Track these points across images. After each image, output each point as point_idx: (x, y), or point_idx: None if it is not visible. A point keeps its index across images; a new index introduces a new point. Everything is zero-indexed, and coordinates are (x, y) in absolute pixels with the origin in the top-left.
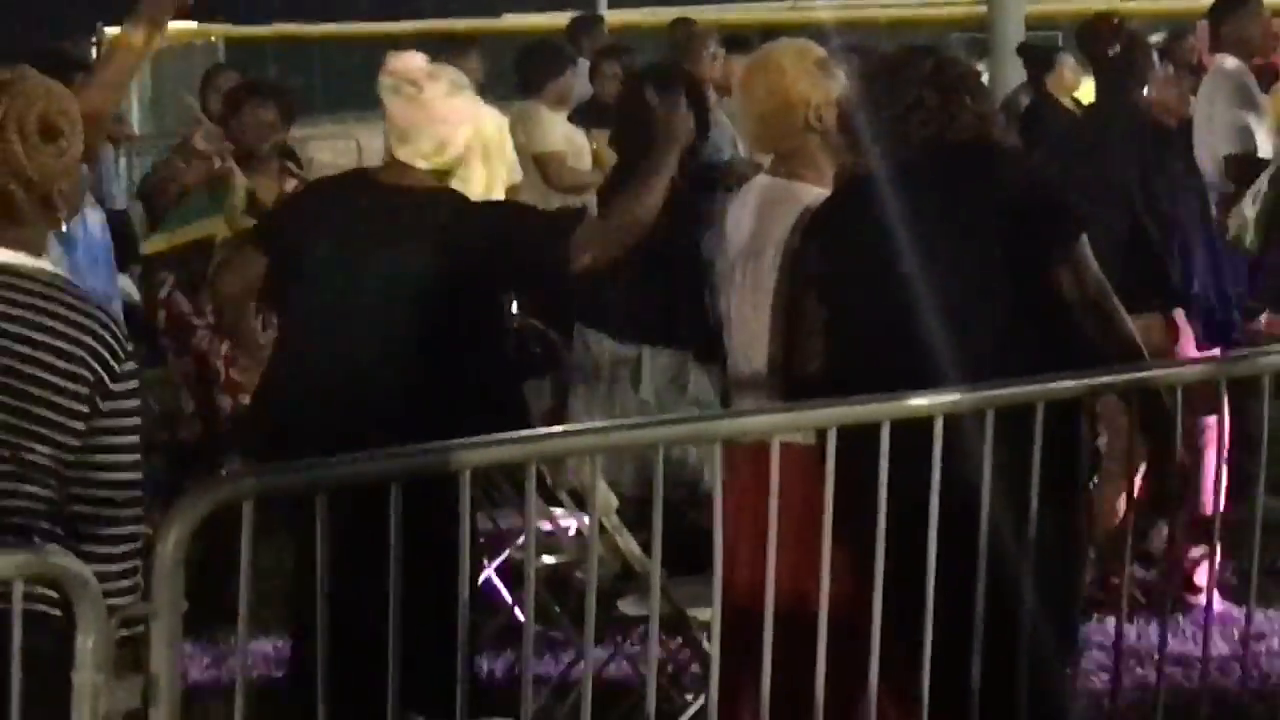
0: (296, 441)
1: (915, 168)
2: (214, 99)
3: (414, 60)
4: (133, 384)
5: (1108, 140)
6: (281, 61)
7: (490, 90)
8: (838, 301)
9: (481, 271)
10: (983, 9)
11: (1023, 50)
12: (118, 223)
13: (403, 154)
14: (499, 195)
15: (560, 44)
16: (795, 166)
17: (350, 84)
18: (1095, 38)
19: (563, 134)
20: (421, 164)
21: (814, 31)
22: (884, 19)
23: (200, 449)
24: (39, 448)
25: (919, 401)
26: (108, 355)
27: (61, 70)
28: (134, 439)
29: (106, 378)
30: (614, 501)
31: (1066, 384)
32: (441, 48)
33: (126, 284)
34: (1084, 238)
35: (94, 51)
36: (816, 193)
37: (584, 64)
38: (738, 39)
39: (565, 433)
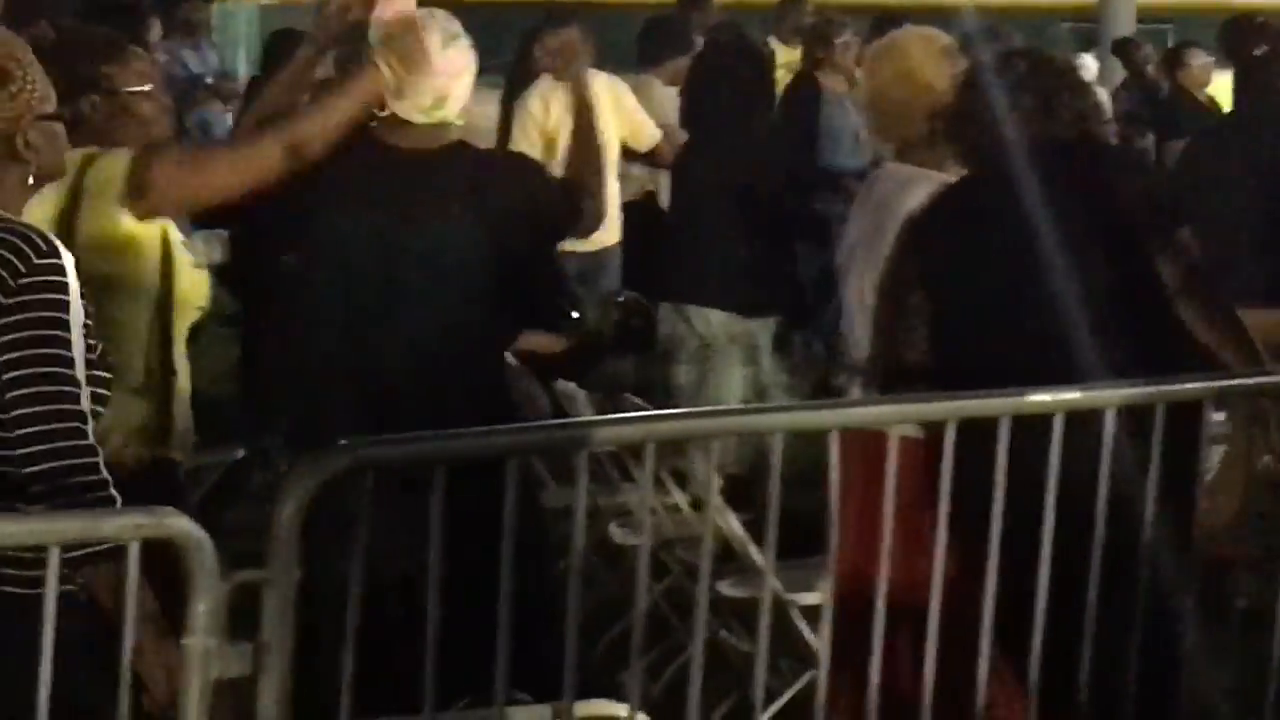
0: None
1: (1017, 166)
2: None
3: (406, 4)
4: (42, 292)
5: (1255, 137)
6: None
7: (600, 64)
8: (943, 295)
9: (518, 225)
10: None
11: (1119, 48)
12: None
13: (400, 109)
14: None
15: (683, 24)
16: (920, 155)
17: None
18: (1239, 37)
19: (674, 109)
20: (419, 119)
21: (925, 16)
22: (995, 5)
23: None
24: None
25: (1040, 398)
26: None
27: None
28: (45, 335)
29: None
30: (718, 480)
31: (1189, 385)
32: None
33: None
34: (1184, 229)
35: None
36: (939, 179)
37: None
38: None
39: (685, 414)
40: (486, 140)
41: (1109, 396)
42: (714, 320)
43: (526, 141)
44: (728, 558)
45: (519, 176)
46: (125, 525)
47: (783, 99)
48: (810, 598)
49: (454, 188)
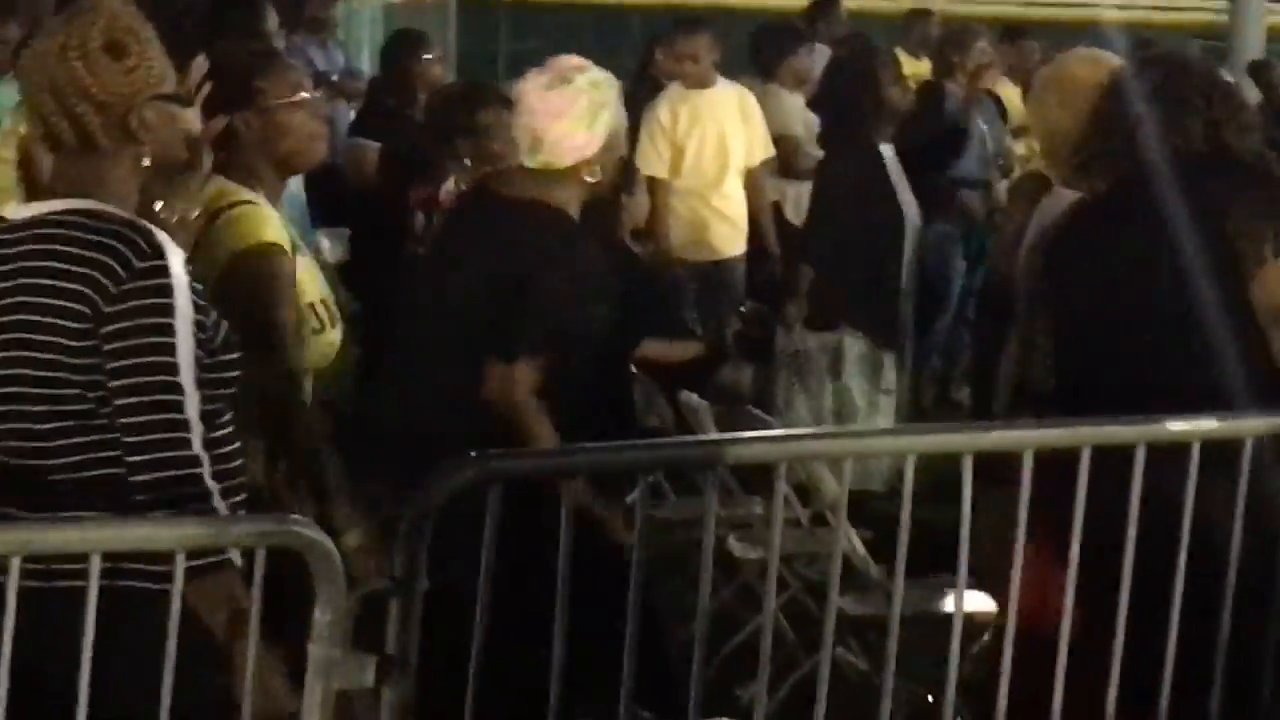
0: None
1: (1147, 180)
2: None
3: (564, 63)
4: (149, 296)
5: None
6: (513, 24)
7: (725, 70)
8: (1067, 315)
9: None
10: (1224, 18)
11: (1254, 69)
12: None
13: (514, 157)
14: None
15: (794, 24)
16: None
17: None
18: None
19: (801, 118)
20: (528, 163)
21: (1051, 30)
22: (1123, 20)
23: None
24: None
25: (1178, 426)
26: (102, 276)
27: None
28: (150, 343)
29: (103, 301)
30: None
31: None
32: (670, 24)
33: (328, 241)
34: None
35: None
36: None
37: (822, 49)
38: (1013, 31)
39: (817, 435)
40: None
41: (1245, 426)
42: (810, 331)
43: (655, 152)
44: (846, 574)
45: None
46: (251, 531)
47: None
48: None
49: (490, 237)
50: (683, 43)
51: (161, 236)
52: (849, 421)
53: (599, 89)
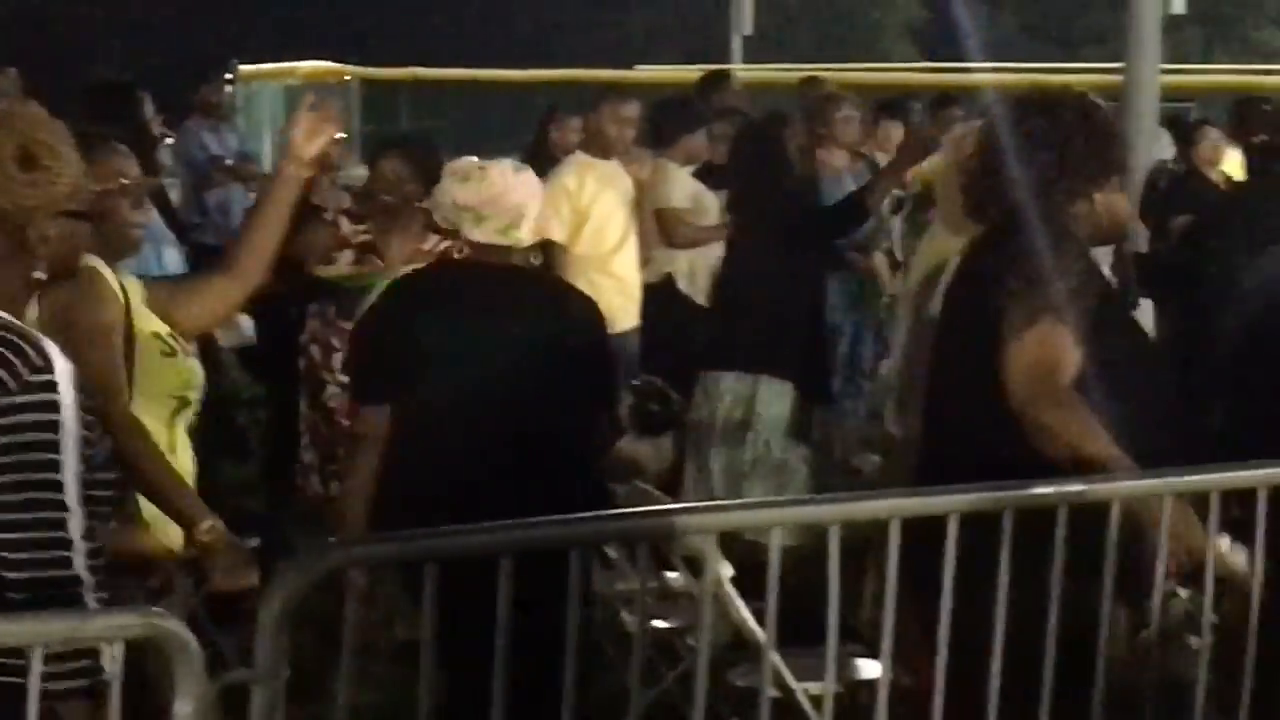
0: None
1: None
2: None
3: (471, 158)
4: (33, 412)
5: (1263, 215)
6: (414, 104)
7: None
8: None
9: (585, 350)
10: (1118, 78)
11: (1173, 124)
12: None
13: (478, 235)
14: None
15: (694, 102)
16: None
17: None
18: (1245, 119)
19: (689, 191)
20: (500, 239)
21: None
22: (1021, 84)
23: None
24: None
25: (1044, 490)
26: None
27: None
28: (35, 459)
29: None
30: (728, 569)
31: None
32: (579, 97)
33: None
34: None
35: (229, 89)
36: None
37: None
38: (891, 103)
39: (684, 510)
40: None
41: (1117, 489)
42: (722, 384)
43: (557, 217)
44: (741, 646)
45: (586, 309)
46: (110, 625)
47: None
48: (816, 687)
49: (536, 303)
50: (613, 107)
51: (50, 348)
52: (767, 479)
53: None
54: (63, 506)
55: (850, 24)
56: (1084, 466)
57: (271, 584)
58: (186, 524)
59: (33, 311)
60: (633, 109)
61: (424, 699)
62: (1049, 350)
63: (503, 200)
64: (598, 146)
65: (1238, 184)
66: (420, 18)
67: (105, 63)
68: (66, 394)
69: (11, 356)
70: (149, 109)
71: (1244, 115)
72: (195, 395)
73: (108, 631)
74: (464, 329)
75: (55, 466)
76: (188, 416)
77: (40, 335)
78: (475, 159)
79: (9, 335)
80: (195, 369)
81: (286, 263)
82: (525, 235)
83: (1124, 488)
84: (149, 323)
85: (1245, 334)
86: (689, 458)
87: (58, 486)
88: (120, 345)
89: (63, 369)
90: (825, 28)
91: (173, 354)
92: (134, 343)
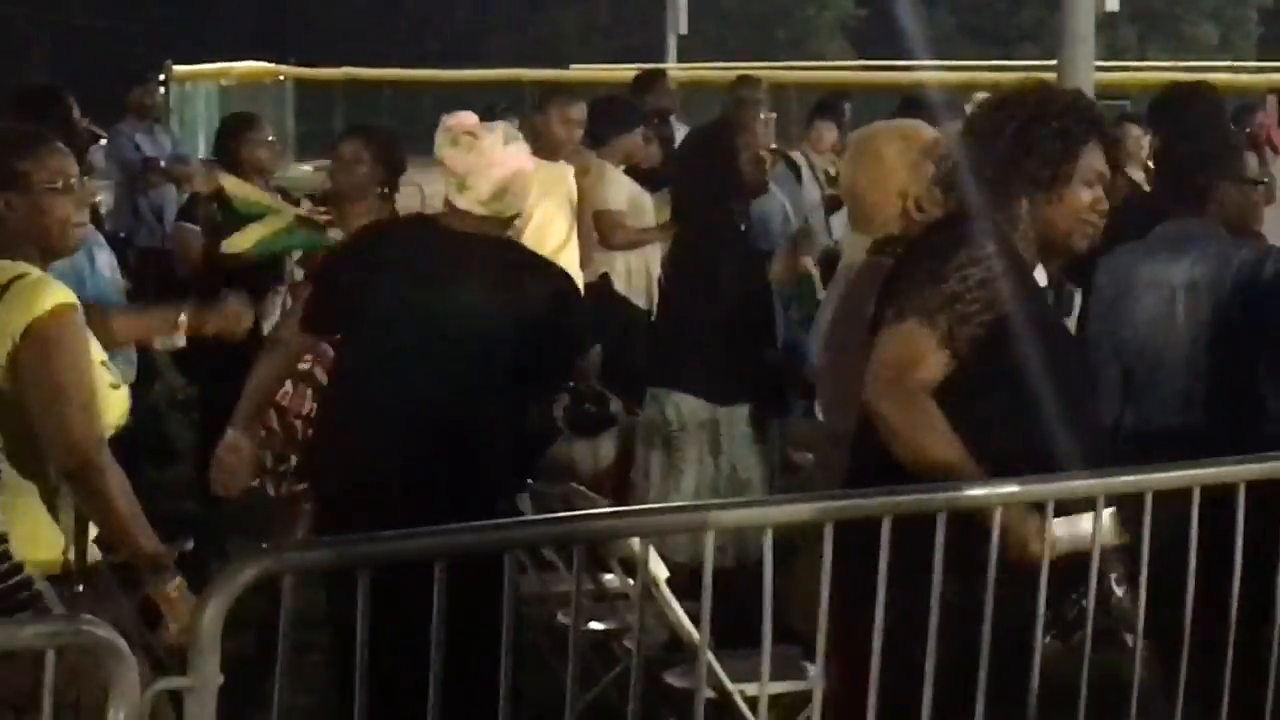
0: (357, 482)
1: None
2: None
3: (469, 117)
4: None
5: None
6: (348, 104)
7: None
8: None
9: (538, 328)
10: (1053, 76)
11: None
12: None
13: (461, 201)
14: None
15: (630, 102)
16: (897, 247)
17: (416, 129)
18: (1156, 117)
19: (627, 193)
20: (480, 210)
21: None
22: (955, 82)
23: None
24: None
25: (978, 492)
26: None
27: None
28: None
29: None
30: (664, 571)
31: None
32: (513, 97)
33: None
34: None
35: (162, 90)
36: None
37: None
38: (825, 104)
39: (613, 514)
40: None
41: (1049, 490)
42: (684, 408)
43: None
44: (677, 647)
45: (550, 283)
46: (41, 632)
47: None
48: (754, 688)
49: (487, 268)
50: (561, 107)
51: None
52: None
53: None
54: None
55: (785, 23)
56: (927, 470)
57: (205, 589)
58: (146, 567)
59: None
60: (580, 110)
61: (360, 703)
62: (906, 349)
63: (489, 172)
64: (543, 147)
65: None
66: (354, 18)
67: (36, 65)
68: None
69: None
70: (75, 111)
71: (1165, 106)
72: (124, 423)
73: (39, 639)
74: (405, 284)
75: None
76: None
77: None
78: (474, 118)
79: None
80: (127, 397)
81: (219, 262)
82: (507, 208)
83: (1051, 490)
84: (97, 351)
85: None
86: (661, 469)
87: None
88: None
89: None
90: (760, 26)
91: (117, 386)
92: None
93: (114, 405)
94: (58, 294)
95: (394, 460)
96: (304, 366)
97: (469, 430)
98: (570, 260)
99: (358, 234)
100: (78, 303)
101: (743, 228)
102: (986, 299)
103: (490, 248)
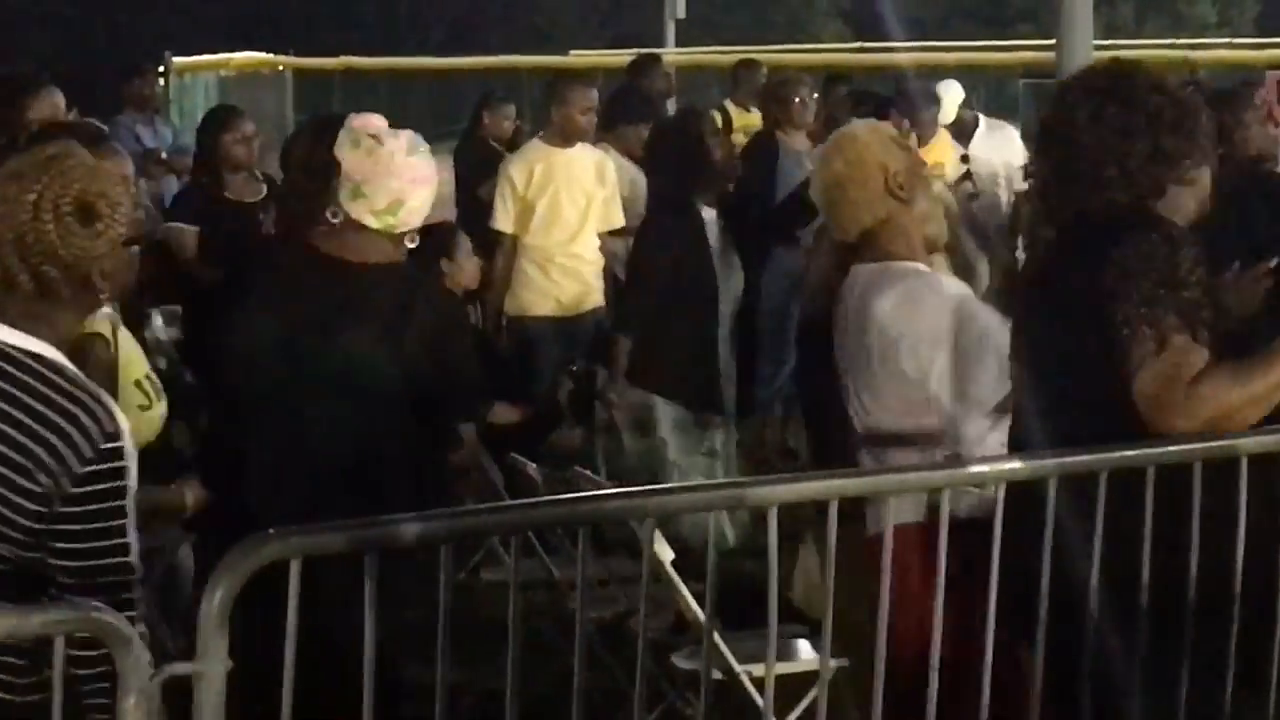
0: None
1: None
2: None
3: (375, 119)
4: (107, 480)
5: None
6: (347, 93)
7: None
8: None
9: (427, 363)
10: (1051, 55)
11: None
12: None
13: (354, 210)
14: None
15: (644, 94)
16: (884, 244)
17: (415, 117)
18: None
19: (628, 177)
20: (372, 222)
21: (872, 75)
22: (952, 62)
23: None
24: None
25: (981, 469)
26: (69, 452)
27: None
28: (106, 526)
29: (66, 480)
30: (669, 553)
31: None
32: (511, 83)
33: (161, 319)
34: None
35: (161, 81)
36: (906, 269)
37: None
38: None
39: (620, 494)
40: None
41: (1052, 465)
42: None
43: (503, 208)
44: (684, 629)
45: (437, 310)
46: (50, 620)
47: (742, 159)
48: (760, 669)
49: (369, 306)
50: (576, 93)
51: (116, 409)
52: (663, 480)
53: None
54: (129, 570)
55: (782, 6)
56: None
57: (212, 576)
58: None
59: None
60: (594, 97)
61: (367, 688)
62: (1177, 369)
63: (383, 181)
64: (562, 134)
65: None
66: (353, 6)
67: (35, 57)
68: (132, 454)
69: (85, 419)
70: (63, 102)
71: None
72: (155, 442)
73: (47, 627)
74: (282, 326)
75: (123, 532)
76: None
77: (104, 393)
78: (381, 121)
79: (82, 395)
80: (162, 414)
81: (218, 252)
82: (400, 222)
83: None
84: (133, 369)
85: None
86: (601, 445)
87: (126, 550)
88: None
89: (126, 430)
90: (757, 10)
91: (149, 406)
92: (117, 395)
93: (143, 425)
94: (97, 324)
95: (290, 508)
96: None
97: (365, 476)
98: (586, 245)
99: (243, 264)
100: (109, 330)
101: (713, 216)
102: (1202, 277)
103: (374, 279)
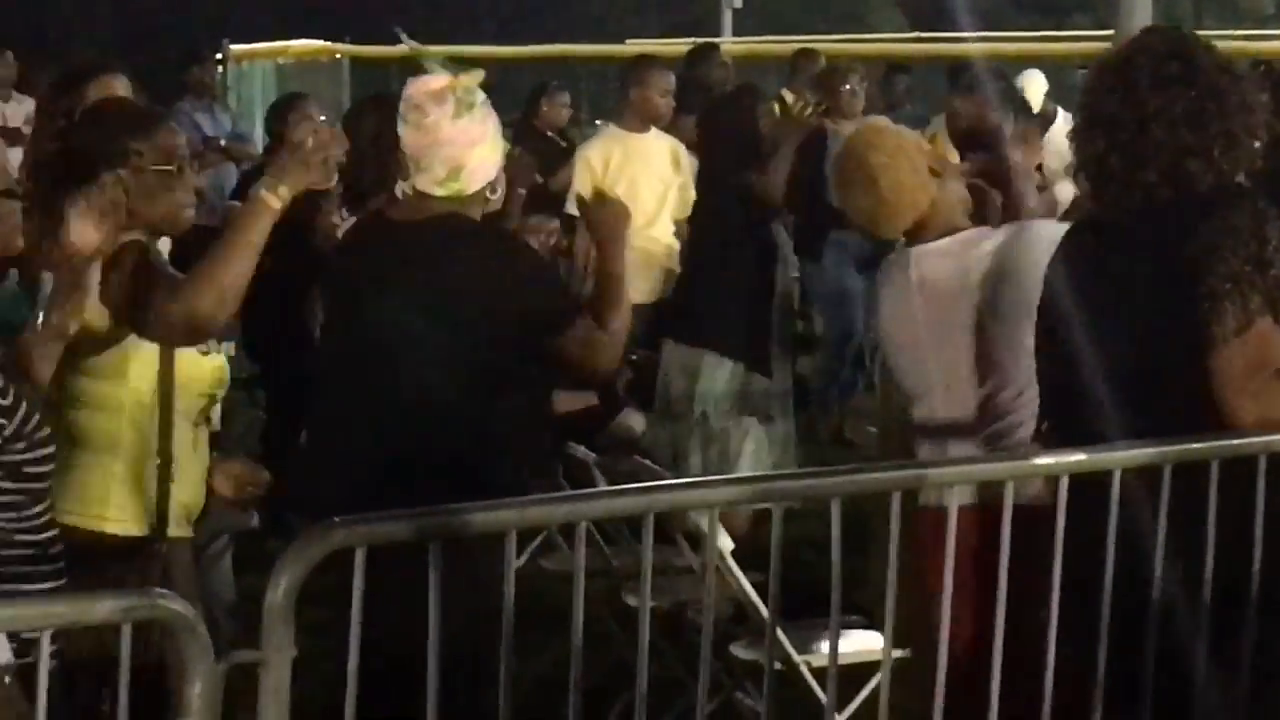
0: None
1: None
2: None
3: (430, 83)
4: None
5: None
6: (404, 81)
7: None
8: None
9: (517, 312)
10: (1108, 46)
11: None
12: None
13: (418, 183)
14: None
15: (704, 83)
16: (942, 223)
17: None
18: None
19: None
20: (437, 191)
21: (930, 64)
22: (1010, 53)
23: None
24: None
25: (1045, 460)
26: None
27: None
28: None
29: None
30: (729, 543)
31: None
32: (566, 72)
33: None
34: None
35: (220, 69)
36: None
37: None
38: (888, 78)
39: (685, 485)
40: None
41: (1117, 458)
42: (675, 359)
43: (582, 191)
44: (742, 619)
45: (506, 255)
46: (116, 608)
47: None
48: (819, 659)
49: (430, 259)
50: (656, 77)
51: None
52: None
53: (488, 104)
54: None
55: None
56: None
57: (277, 564)
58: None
59: None
60: (672, 78)
61: (431, 679)
62: (1259, 351)
63: (439, 151)
64: (640, 116)
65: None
66: None
67: (96, 45)
68: None
69: None
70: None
71: None
72: (222, 391)
73: (114, 614)
74: (367, 285)
75: None
76: (213, 412)
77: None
78: (429, 86)
79: None
80: (224, 365)
81: (288, 242)
82: (465, 185)
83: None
84: None
85: None
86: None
87: None
88: None
89: None
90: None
91: (207, 351)
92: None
93: (207, 372)
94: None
95: (395, 479)
96: None
97: (470, 436)
98: (660, 231)
99: (339, 245)
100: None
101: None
102: None
103: (434, 232)
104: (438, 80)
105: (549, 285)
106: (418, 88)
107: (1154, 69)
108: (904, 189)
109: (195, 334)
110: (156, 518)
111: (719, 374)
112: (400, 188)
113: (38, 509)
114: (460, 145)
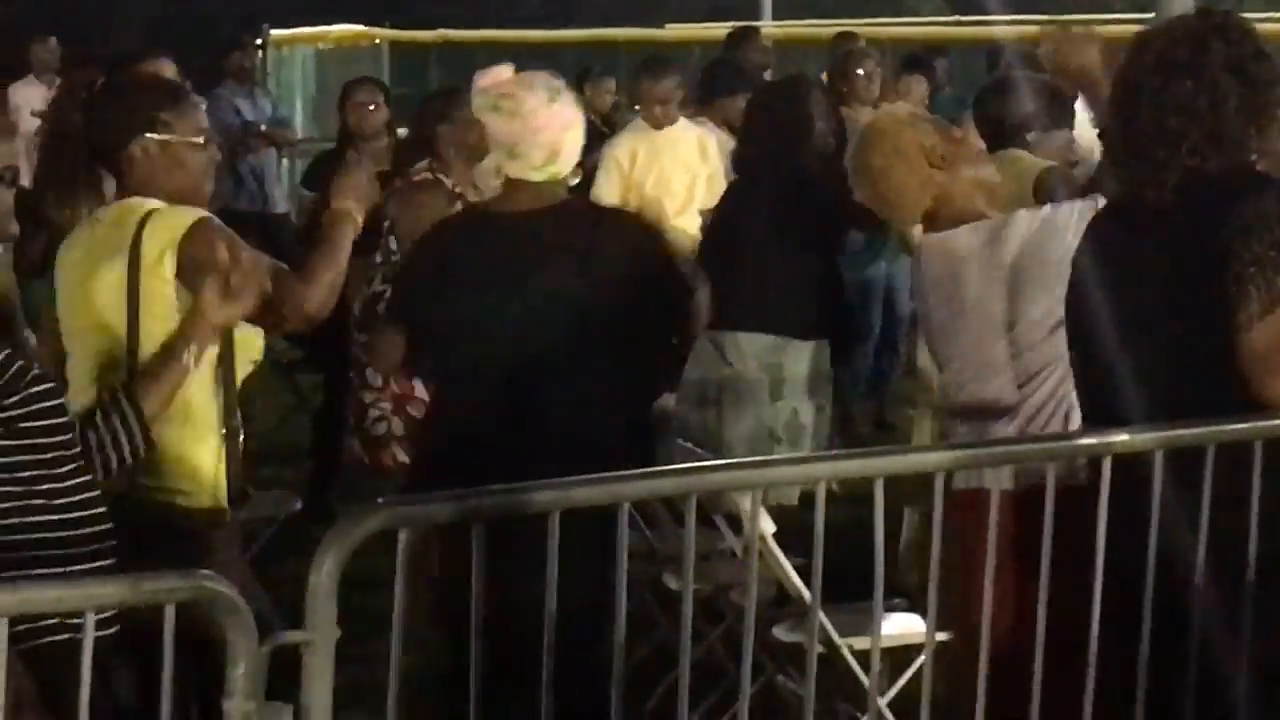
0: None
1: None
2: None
3: (505, 72)
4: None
5: None
6: (444, 66)
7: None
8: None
9: (623, 283)
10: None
11: None
12: (277, 227)
13: (513, 170)
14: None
15: (739, 67)
16: (953, 214)
17: None
18: None
19: (728, 150)
20: (535, 176)
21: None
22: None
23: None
24: None
25: (1088, 441)
26: None
27: None
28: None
29: None
30: (770, 526)
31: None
32: (608, 56)
33: None
34: None
35: (260, 54)
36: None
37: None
38: (916, 58)
39: (726, 466)
40: None
41: (1158, 438)
42: (745, 349)
43: (608, 186)
44: (784, 602)
45: (627, 235)
46: (160, 588)
47: None
48: (861, 642)
49: (560, 246)
50: (649, 85)
51: None
52: (795, 442)
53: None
54: None
55: None
56: None
57: (320, 545)
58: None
59: None
60: (660, 88)
61: (475, 662)
62: None
63: (537, 136)
64: (660, 114)
65: None
66: None
67: (136, 29)
68: None
69: None
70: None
71: None
72: (259, 359)
73: (158, 595)
74: (484, 291)
75: None
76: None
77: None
78: (508, 74)
79: None
80: (261, 336)
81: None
82: (562, 168)
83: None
84: None
85: None
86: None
87: None
88: None
89: None
90: None
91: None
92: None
93: (251, 342)
94: (196, 212)
95: (517, 462)
96: None
97: (590, 421)
98: (689, 223)
99: (420, 243)
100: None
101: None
102: None
103: (556, 221)
104: (506, 69)
105: (677, 268)
106: (495, 78)
107: (1161, 53)
108: (904, 189)
109: (310, 322)
110: (225, 491)
111: (800, 362)
112: (483, 178)
113: (64, 484)
114: (555, 129)
